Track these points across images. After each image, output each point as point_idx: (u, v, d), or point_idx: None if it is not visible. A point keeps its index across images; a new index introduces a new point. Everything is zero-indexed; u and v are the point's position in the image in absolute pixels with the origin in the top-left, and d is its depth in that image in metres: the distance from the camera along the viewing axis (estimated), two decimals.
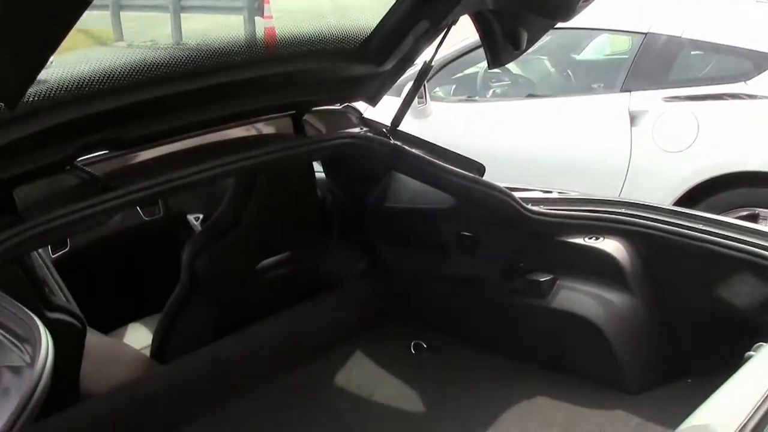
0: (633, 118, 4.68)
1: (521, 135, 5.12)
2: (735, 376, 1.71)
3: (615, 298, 2.62)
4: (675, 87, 4.65)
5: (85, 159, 2.29)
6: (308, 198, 3.10)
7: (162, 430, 2.64)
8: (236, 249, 2.94)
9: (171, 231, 4.03)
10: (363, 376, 2.93)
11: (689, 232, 2.45)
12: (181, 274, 2.98)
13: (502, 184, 2.87)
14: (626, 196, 4.34)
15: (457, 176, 2.73)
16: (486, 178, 2.79)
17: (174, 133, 2.42)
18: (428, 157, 2.79)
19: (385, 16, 2.51)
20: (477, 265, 2.94)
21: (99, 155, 2.33)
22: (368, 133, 2.88)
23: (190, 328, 3.11)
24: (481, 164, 2.80)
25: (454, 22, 2.58)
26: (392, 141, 2.86)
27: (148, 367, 3.01)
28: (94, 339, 3.26)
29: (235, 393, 2.80)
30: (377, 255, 3.25)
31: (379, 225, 3.21)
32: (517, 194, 2.83)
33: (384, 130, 2.91)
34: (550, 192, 2.90)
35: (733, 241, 2.34)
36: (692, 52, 4.78)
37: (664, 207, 2.66)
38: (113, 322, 3.62)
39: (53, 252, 3.72)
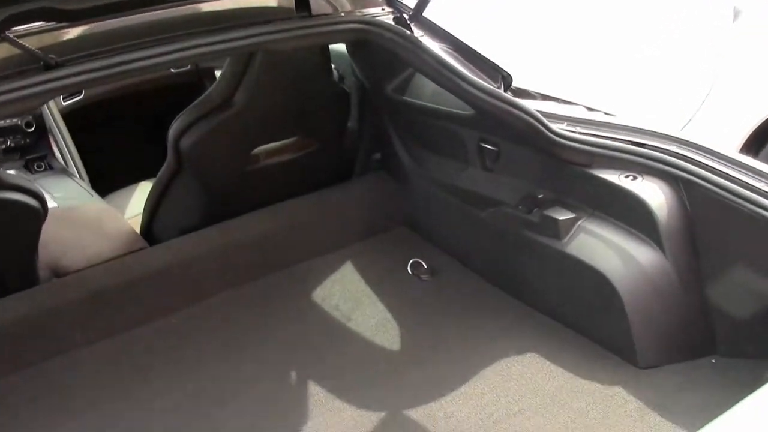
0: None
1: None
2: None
3: (640, 254, 2.16)
4: None
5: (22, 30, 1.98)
6: (316, 81, 2.69)
7: (135, 315, 2.47)
8: (226, 130, 2.59)
9: (199, 85, 3.74)
10: (350, 287, 2.63)
11: (750, 193, 1.96)
12: (168, 152, 2.69)
13: (536, 92, 2.41)
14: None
15: (474, 87, 2.27)
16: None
17: (132, 5, 2.06)
18: (447, 59, 2.33)
19: None
20: (495, 185, 2.52)
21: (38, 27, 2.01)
22: (384, 19, 2.43)
23: (176, 211, 2.86)
24: (509, 74, 2.32)
25: None
26: (410, 32, 2.40)
27: (132, 244, 2.79)
28: (89, 206, 3.08)
29: (212, 287, 2.57)
30: (392, 152, 2.86)
31: (397, 119, 2.81)
32: (553, 108, 2.36)
33: (406, 15, 2.44)
34: (595, 111, 2.41)
35: None
36: None
37: (728, 154, 2.13)
38: (132, 178, 3.43)
39: (65, 99, 3.50)
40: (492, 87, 2.27)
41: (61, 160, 3.41)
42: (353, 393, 2.18)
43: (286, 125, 2.72)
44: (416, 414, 2.09)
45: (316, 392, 2.19)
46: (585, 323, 2.32)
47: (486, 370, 2.23)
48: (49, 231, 2.89)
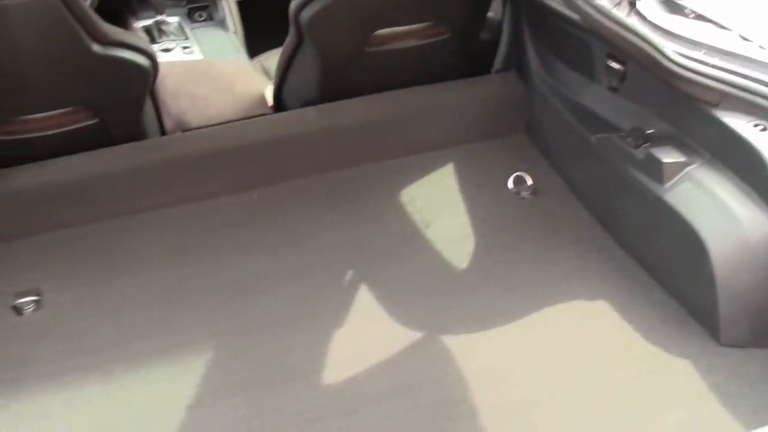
0: None
1: None
2: None
3: (748, 219, 1.86)
4: None
5: None
6: None
7: (221, 184, 2.50)
8: (345, 6, 2.47)
9: None
10: (442, 191, 2.49)
11: None
12: (290, 24, 2.62)
13: (690, 10, 2.09)
14: None
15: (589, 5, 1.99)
16: None
17: None
18: None
19: None
20: (616, 109, 2.25)
21: None
22: None
23: (299, 83, 2.81)
24: None
25: None
26: None
27: (253, 109, 2.81)
28: (227, 64, 3.11)
29: (301, 167, 2.55)
30: (523, 53, 2.62)
31: (532, 18, 2.56)
32: (698, 31, 2.03)
33: None
34: (748, 41, 2.04)
35: None
36: None
37: None
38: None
39: None
40: (605, 7, 1.98)
41: (223, 13, 3.46)
42: (401, 306, 2.10)
43: (415, 7, 2.54)
44: (454, 344, 1.98)
45: (374, 298, 2.13)
46: (672, 281, 2.06)
47: (547, 310, 2.06)
48: (181, 83, 2.98)
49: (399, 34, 2.65)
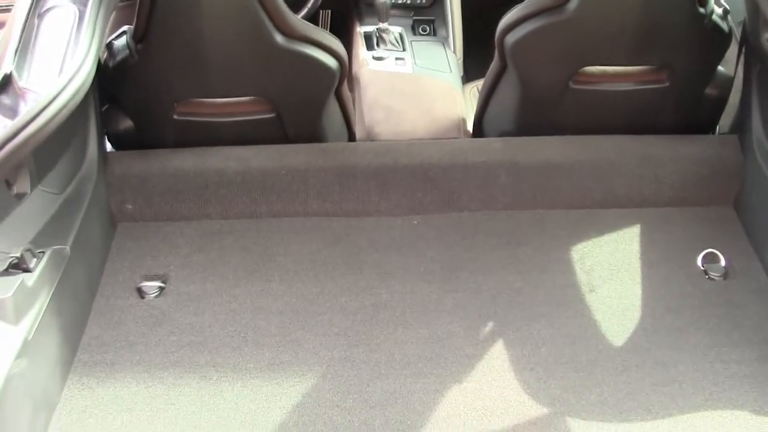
0: None
1: None
2: None
3: None
4: None
5: None
6: (678, 3, 2.20)
7: (354, 203, 2.39)
8: (553, 35, 2.27)
9: None
10: (616, 256, 2.20)
11: None
12: (495, 47, 2.47)
13: None
14: None
15: None
16: None
17: None
18: None
19: None
20: None
21: None
22: None
23: (499, 111, 2.65)
24: None
25: None
26: None
27: (448, 132, 2.69)
28: (436, 81, 3.01)
29: (476, 196, 2.38)
30: (747, 115, 2.29)
31: (763, 77, 2.21)
32: None
33: None
34: None
35: None
36: None
37: None
38: None
39: None
40: None
41: (448, 30, 3.36)
42: (534, 373, 1.89)
43: (634, 47, 2.29)
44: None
45: (507, 357, 1.94)
46: None
47: (709, 420, 1.75)
48: (382, 94, 2.92)
49: (610, 75, 2.41)
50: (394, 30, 3.29)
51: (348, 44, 3.40)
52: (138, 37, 2.19)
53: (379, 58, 3.14)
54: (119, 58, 2.24)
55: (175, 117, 2.39)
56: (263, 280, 2.14)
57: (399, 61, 3.15)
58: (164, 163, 2.37)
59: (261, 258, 2.21)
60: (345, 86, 2.54)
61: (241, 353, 1.94)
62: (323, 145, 2.47)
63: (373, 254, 2.23)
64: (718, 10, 2.29)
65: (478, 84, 3.17)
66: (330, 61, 2.33)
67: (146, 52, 2.20)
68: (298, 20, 2.28)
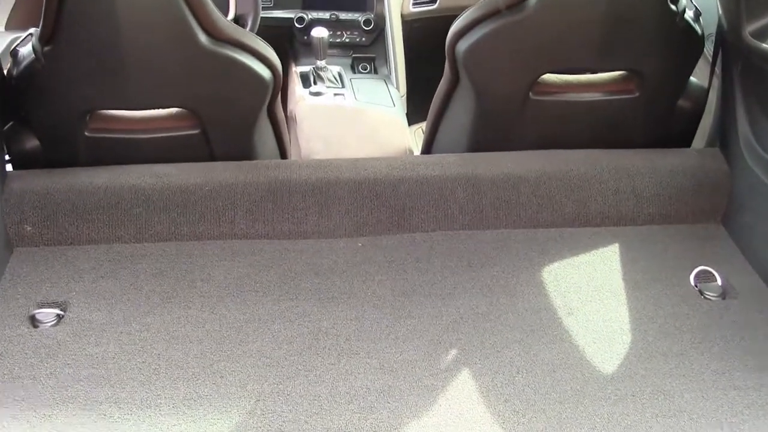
0: None
1: None
2: None
3: None
4: None
5: None
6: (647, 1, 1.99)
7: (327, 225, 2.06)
8: (510, 38, 2.03)
9: None
10: (598, 277, 1.90)
11: None
12: (446, 58, 2.23)
13: None
14: None
15: None
16: None
17: None
18: None
19: None
20: None
21: None
22: None
23: (452, 131, 2.38)
24: None
25: None
26: None
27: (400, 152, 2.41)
28: (380, 111, 2.76)
29: (432, 215, 2.06)
30: (731, 122, 2.06)
31: (747, 77, 2.01)
32: None
33: None
34: None
35: None
36: None
37: None
38: None
39: (415, 4, 3.19)
40: None
41: (390, 69, 3.13)
42: (510, 406, 1.55)
43: (595, 52, 2.06)
44: None
45: (478, 389, 1.60)
46: None
47: None
48: (320, 125, 2.64)
49: (574, 84, 2.18)
50: (333, 68, 3.04)
51: (283, 85, 3.13)
52: (45, 38, 1.87)
53: (317, 94, 2.87)
54: (24, 65, 1.91)
55: (87, 134, 2.05)
56: (181, 307, 1.77)
57: (338, 96, 2.89)
58: (71, 179, 2.01)
59: (179, 284, 1.84)
60: (279, 104, 2.24)
61: (150, 387, 1.56)
62: (254, 161, 2.15)
63: (311, 279, 1.88)
64: (689, 12, 2.09)
65: (423, 126, 2.92)
66: (262, 71, 2.03)
67: (54, 55, 1.88)
68: (226, 21, 1.99)
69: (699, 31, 2.09)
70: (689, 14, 2.09)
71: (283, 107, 2.92)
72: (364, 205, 2.02)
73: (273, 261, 1.92)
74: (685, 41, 2.09)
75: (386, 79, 3.10)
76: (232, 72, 1.98)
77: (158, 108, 2.07)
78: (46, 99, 1.97)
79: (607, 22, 2.00)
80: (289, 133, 2.67)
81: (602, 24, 2.00)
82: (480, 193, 2.04)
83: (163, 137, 2.08)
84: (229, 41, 1.95)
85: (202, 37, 1.89)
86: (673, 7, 2.02)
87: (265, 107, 2.14)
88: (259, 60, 2.02)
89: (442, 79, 2.31)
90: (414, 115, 3.04)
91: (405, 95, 3.10)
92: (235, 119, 2.11)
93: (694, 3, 2.12)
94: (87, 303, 1.77)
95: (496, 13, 2.04)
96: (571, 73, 2.18)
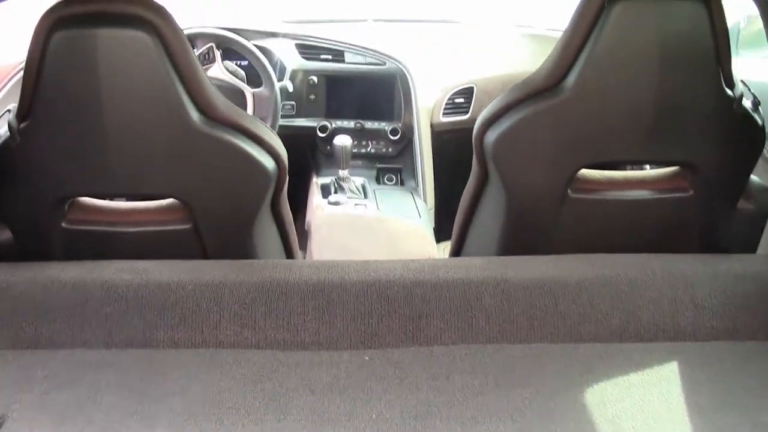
0: None
1: None
2: None
3: None
4: None
5: None
6: (702, 83, 1.75)
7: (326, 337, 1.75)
8: (544, 124, 1.80)
9: None
10: (644, 400, 1.56)
11: None
12: (473, 153, 1.99)
13: None
14: None
15: None
16: None
17: None
18: None
19: None
20: None
21: None
22: None
23: (482, 236, 2.12)
24: None
25: None
26: None
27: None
28: (403, 222, 2.53)
29: (454, 325, 1.71)
30: None
31: None
32: None
33: None
34: None
35: None
36: None
37: None
38: None
39: (445, 114, 3.01)
40: None
41: (418, 178, 2.91)
42: None
43: (642, 136, 1.80)
44: None
45: None
46: None
47: None
48: (336, 234, 2.41)
49: (619, 181, 1.92)
50: (356, 179, 2.84)
51: (303, 197, 2.93)
52: (22, 114, 1.68)
53: (336, 203, 2.65)
54: None
55: (65, 225, 1.82)
56: (144, 425, 1.46)
57: (359, 207, 2.67)
58: (35, 273, 1.76)
59: (147, 398, 1.54)
60: (285, 201, 2.00)
61: None
62: (248, 261, 1.89)
63: (305, 397, 1.56)
64: (747, 102, 1.85)
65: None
66: (264, 160, 1.80)
67: (30, 132, 1.68)
68: (225, 100, 1.79)
69: (759, 122, 1.83)
70: (747, 103, 1.84)
71: (301, 220, 2.69)
72: (373, 311, 1.72)
73: (261, 374, 1.62)
74: (743, 132, 1.83)
75: (413, 191, 2.89)
76: (228, 159, 1.76)
77: (145, 195, 1.85)
78: (20, 182, 1.75)
79: (655, 106, 1.75)
80: (303, 249, 2.43)
81: (649, 109, 1.76)
82: (511, 300, 1.74)
83: (149, 231, 1.85)
84: (226, 123, 1.74)
85: (195, 116, 1.68)
86: (729, 92, 1.78)
87: (267, 202, 1.90)
88: (261, 147, 1.80)
89: (470, 177, 2.07)
90: (443, 232, 2.79)
91: (433, 209, 2.86)
92: (231, 214, 1.87)
93: (751, 91, 1.88)
94: (31, 417, 1.47)
95: (529, 98, 1.82)
96: (613, 168, 1.93)
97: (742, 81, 1.84)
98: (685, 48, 1.71)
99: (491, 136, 1.88)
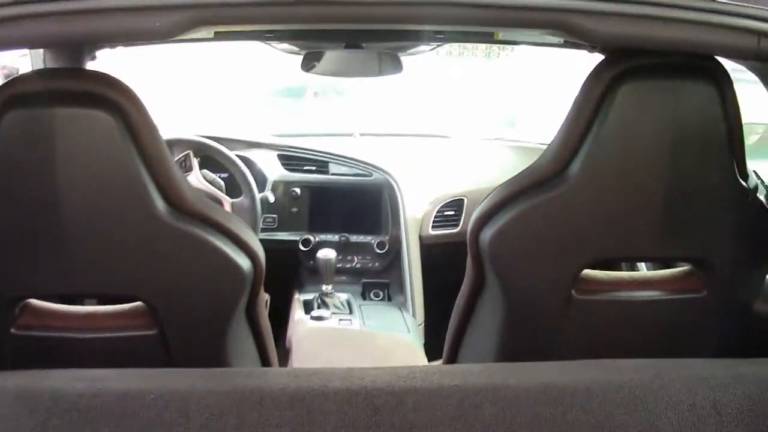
0: None
1: None
2: None
3: None
4: None
5: None
6: (712, 171, 1.63)
7: None
8: (545, 217, 1.65)
9: None
10: None
11: None
12: (468, 253, 1.84)
13: None
14: None
15: None
16: None
17: None
18: None
19: None
20: None
21: None
22: None
23: (479, 344, 1.94)
24: None
25: None
26: None
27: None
28: (392, 336, 2.35)
29: None
30: None
31: None
32: None
33: None
34: None
35: None
36: None
37: None
38: None
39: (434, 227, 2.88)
40: None
41: (407, 293, 2.75)
42: None
43: (651, 231, 1.66)
44: None
45: None
46: None
47: None
48: (321, 348, 2.22)
49: (626, 281, 1.76)
50: (340, 295, 2.67)
51: (285, 315, 2.75)
52: None
53: (319, 318, 2.48)
54: None
55: (14, 331, 1.63)
56: None
57: (344, 322, 2.49)
58: None
59: None
60: (262, 308, 1.82)
61: None
62: (220, 369, 1.69)
63: None
64: (761, 196, 1.72)
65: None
66: (239, 258, 1.64)
67: None
68: (196, 191, 1.64)
69: None
70: (762, 196, 1.72)
71: (282, 339, 2.52)
72: (359, 422, 1.51)
73: None
74: (759, 227, 1.70)
75: (401, 306, 2.72)
76: (199, 256, 1.59)
77: (105, 297, 1.67)
78: None
79: (664, 198, 1.62)
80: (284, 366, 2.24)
81: (659, 201, 1.62)
82: (513, 408, 1.54)
83: (110, 338, 1.65)
84: (197, 216, 1.58)
85: (162, 207, 1.52)
86: (743, 183, 1.66)
87: (242, 307, 1.72)
88: (236, 245, 1.64)
89: (465, 279, 1.91)
90: (433, 349, 2.60)
91: (423, 324, 2.68)
92: (202, 319, 1.68)
93: (765, 184, 1.76)
94: None
95: (530, 189, 1.69)
96: (617, 267, 1.79)
97: (755, 171, 1.72)
98: (696, 134, 1.59)
99: (488, 233, 1.73)
